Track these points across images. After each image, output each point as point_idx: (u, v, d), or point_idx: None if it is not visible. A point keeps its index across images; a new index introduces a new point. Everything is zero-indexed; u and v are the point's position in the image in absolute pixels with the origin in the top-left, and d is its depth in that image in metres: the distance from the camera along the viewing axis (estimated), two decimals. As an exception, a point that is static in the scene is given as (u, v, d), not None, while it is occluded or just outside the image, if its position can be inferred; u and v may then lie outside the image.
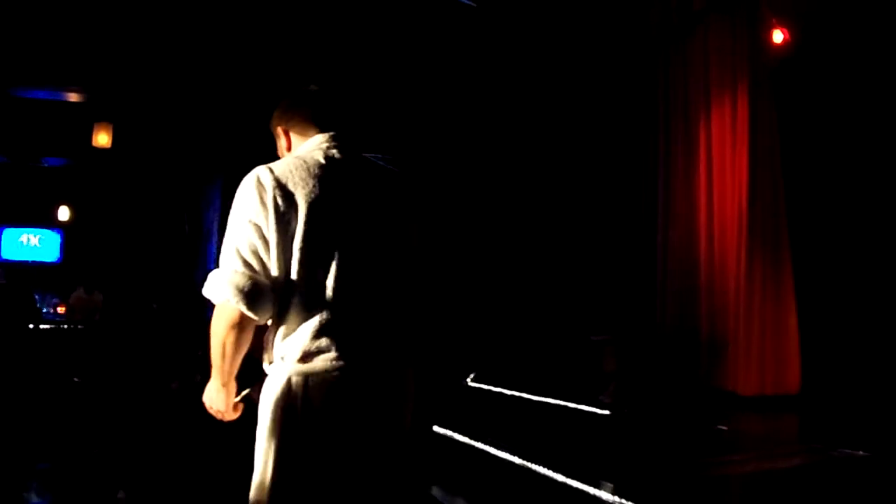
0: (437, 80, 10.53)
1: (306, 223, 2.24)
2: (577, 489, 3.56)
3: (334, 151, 2.43)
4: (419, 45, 9.99)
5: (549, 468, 3.83)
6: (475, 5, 9.25)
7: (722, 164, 8.34)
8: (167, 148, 11.79)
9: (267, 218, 2.24)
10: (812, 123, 8.51)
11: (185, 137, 11.41)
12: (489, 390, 7.84)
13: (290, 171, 2.31)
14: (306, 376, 2.26)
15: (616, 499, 3.32)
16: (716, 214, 8.39)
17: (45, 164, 13.04)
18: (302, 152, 2.44)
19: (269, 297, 2.24)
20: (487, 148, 10.92)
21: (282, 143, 2.61)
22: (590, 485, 3.53)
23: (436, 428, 5.19)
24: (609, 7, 9.50)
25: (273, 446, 2.33)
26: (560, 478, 3.71)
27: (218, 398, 2.45)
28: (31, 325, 8.50)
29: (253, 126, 10.76)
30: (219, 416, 2.51)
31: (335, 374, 2.24)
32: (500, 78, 10.35)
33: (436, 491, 3.87)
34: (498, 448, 4.36)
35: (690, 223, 8.71)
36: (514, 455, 4.15)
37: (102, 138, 10.71)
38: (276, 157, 2.53)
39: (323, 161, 2.38)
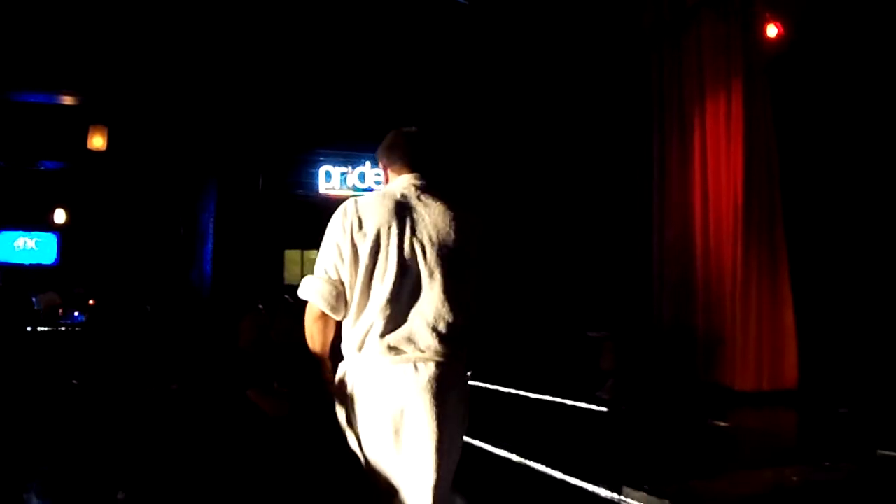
0: (432, 74, 10.55)
1: (372, 245, 2.77)
2: (575, 486, 3.57)
3: (413, 189, 2.92)
4: (413, 41, 10.01)
5: (547, 465, 3.83)
6: (468, 3, 9.26)
7: (717, 159, 8.34)
8: (162, 150, 11.79)
9: (344, 239, 2.79)
10: (807, 117, 8.51)
11: (180, 140, 11.41)
12: (487, 388, 7.85)
13: (369, 203, 2.86)
14: (358, 366, 2.76)
15: (614, 496, 3.33)
16: (711, 209, 8.40)
17: (41, 168, 13.04)
18: (389, 188, 2.97)
19: (343, 300, 2.80)
20: (485, 144, 10.93)
21: (382, 176, 3.08)
22: (588, 482, 3.54)
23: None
24: (603, 5, 9.50)
25: (339, 422, 2.90)
26: (559, 475, 3.72)
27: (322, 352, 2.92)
28: (28, 328, 8.49)
29: (246, 129, 10.84)
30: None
31: (378, 366, 2.72)
32: (495, 76, 10.36)
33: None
34: (496, 446, 4.36)
35: (686, 218, 8.71)
36: (513, 453, 4.16)
37: (97, 141, 10.70)
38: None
39: (399, 197, 2.88)
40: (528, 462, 3.97)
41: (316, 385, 2.95)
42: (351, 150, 11.38)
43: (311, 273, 2.84)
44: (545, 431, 5.21)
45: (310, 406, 5.79)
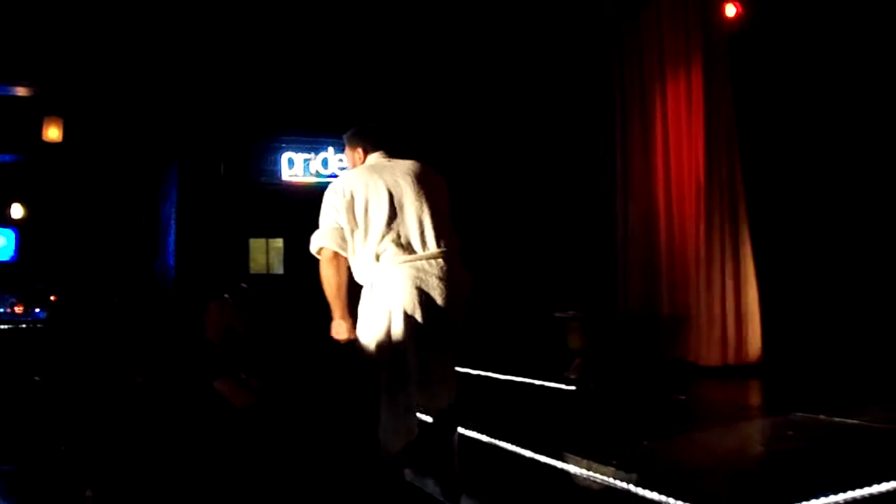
0: (393, 60, 10.50)
1: (363, 195, 3.87)
2: (544, 464, 3.58)
3: (384, 158, 4.14)
4: (372, 26, 9.96)
5: (516, 444, 3.84)
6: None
7: (678, 139, 8.39)
8: (120, 140, 11.62)
9: (338, 199, 3.88)
10: (767, 96, 8.59)
11: (138, 129, 11.26)
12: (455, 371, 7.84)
13: (353, 173, 4.05)
14: (380, 271, 3.81)
15: (584, 472, 3.35)
16: (673, 188, 8.46)
17: (-4, 162, 12.79)
18: (367, 163, 4.14)
19: (346, 240, 3.85)
20: (447, 127, 10.89)
21: (354, 156, 4.22)
22: (557, 459, 3.55)
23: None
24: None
25: (365, 322, 3.84)
26: (528, 453, 3.73)
27: (340, 328, 3.90)
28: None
29: (206, 117, 10.70)
30: (343, 342, 3.93)
31: (397, 266, 3.79)
32: (455, 61, 10.33)
33: (407, 473, 3.87)
34: (465, 427, 4.36)
35: (649, 197, 8.77)
36: (482, 433, 4.16)
37: (53, 132, 10.53)
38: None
39: (374, 163, 4.09)
40: (497, 442, 3.98)
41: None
42: (313, 137, 11.28)
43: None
44: (514, 411, 5.22)
45: (278, 397, 5.78)
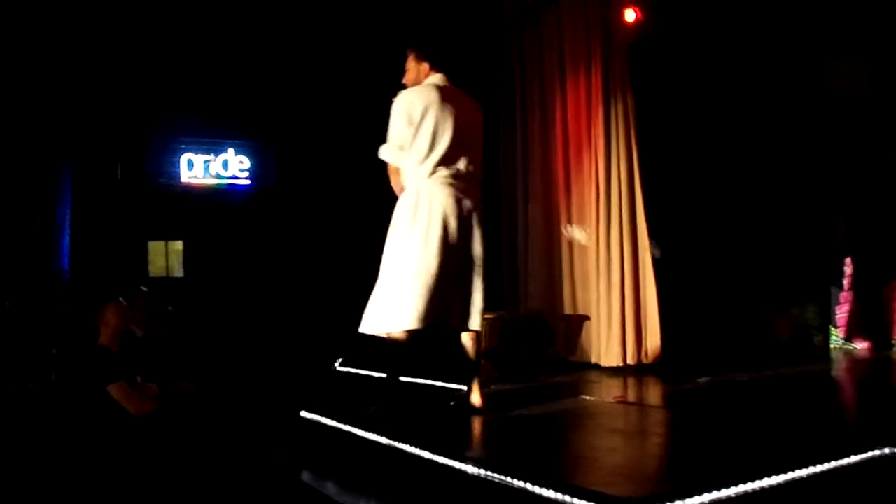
0: (293, 59, 10.39)
1: (424, 116, 4.73)
2: (443, 465, 3.58)
3: (449, 84, 4.96)
4: (271, 24, 9.85)
5: (416, 446, 3.84)
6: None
7: (579, 141, 8.49)
8: (11, 138, 11.19)
9: (403, 118, 4.79)
10: (665, 100, 8.81)
11: (30, 127, 10.86)
12: (358, 374, 7.81)
13: (428, 94, 4.82)
14: (431, 186, 4.74)
15: (481, 472, 3.36)
16: (574, 189, 8.57)
17: None
18: (430, 81, 4.94)
19: (406, 153, 4.82)
20: (346, 127, 10.78)
21: (419, 70, 5.00)
22: (455, 460, 3.56)
23: (303, 413, 5.14)
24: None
25: (407, 229, 4.74)
26: (427, 455, 3.72)
27: (397, 186, 4.97)
28: None
29: (101, 116, 10.40)
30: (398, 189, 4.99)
31: (446, 185, 4.75)
32: (356, 58, 10.25)
33: (305, 476, 3.83)
34: (365, 430, 4.35)
35: (550, 197, 8.87)
36: (382, 436, 4.14)
37: (-61, 132, 10.08)
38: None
39: (442, 87, 4.90)
40: (397, 444, 3.97)
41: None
42: (213, 138, 11.07)
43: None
44: (416, 413, 5.21)
45: (177, 403, 5.65)
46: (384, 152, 4.94)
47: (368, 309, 4.83)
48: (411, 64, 5.07)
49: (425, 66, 5.00)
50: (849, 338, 8.94)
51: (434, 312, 4.65)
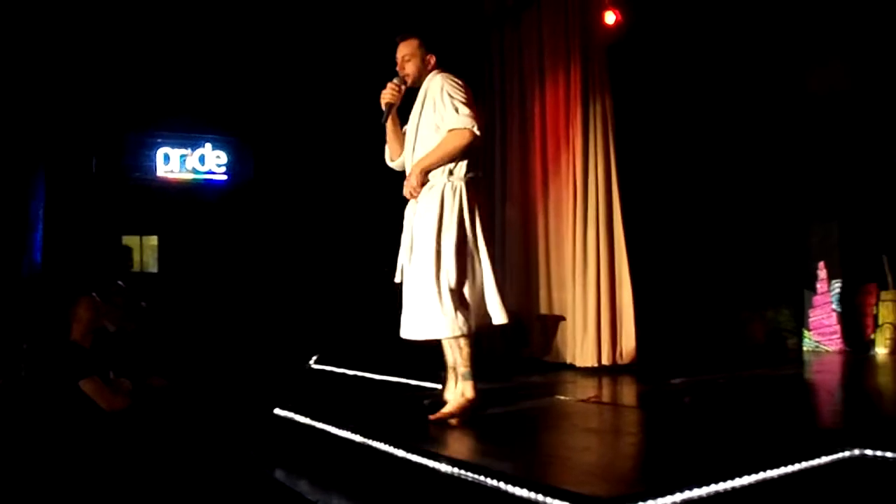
0: (271, 56, 10.34)
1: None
2: (416, 463, 3.57)
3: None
4: (251, 20, 9.79)
5: (389, 444, 3.82)
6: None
7: (557, 141, 8.50)
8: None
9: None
10: (643, 102, 8.85)
11: (4, 122, 10.74)
12: (332, 371, 7.78)
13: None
14: (465, 182, 4.68)
15: (454, 470, 3.35)
16: (551, 189, 8.57)
17: None
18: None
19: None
20: (323, 127, 10.76)
21: (429, 61, 4.94)
22: (428, 458, 3.55)
23: (277, 410, 5.11)
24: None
25: (451, 218, 4.63)
26: (400, 453, 3.71)
27: (416, 176, 4.72)
28: None
29: (76, 109, 10.30)
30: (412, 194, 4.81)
31: (473, 187, 4.74)
32: (334, 56, 10.22)
33: (279, 473, 3.81)
34: (339, 427, 4.33)
35: (527, 197, 8.87)
36: (356, 433, 4.12)
37: None
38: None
39: None
40: (370, 442, 3.95)
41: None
42: (190, 132, 11.00)
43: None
44: (388, 411, 5.20)
45: (150, 399, 5.60)
46: (478, 123, 4.63)
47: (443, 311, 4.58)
48: (418, 51, 4.97)
49: (432, 59, 4.97)
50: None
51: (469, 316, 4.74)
